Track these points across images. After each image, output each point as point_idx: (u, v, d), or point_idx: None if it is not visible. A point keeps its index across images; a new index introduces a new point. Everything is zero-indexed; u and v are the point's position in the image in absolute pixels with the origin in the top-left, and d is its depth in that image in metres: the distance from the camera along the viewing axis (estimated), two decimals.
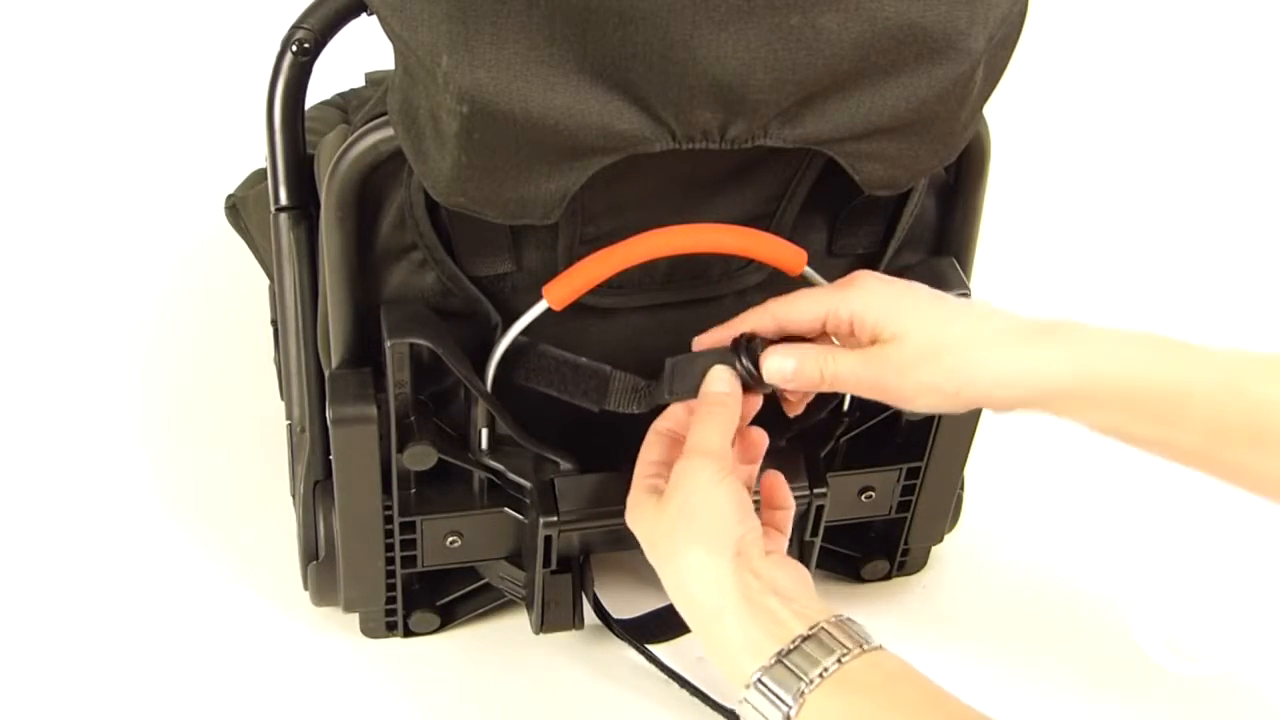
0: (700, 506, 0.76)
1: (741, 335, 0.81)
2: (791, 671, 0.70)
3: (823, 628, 0.72)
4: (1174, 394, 0.73)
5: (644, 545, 0.79)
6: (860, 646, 0.71)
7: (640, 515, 0.79)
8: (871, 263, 0.90)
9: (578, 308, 0.84)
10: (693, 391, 0.81)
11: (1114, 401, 0.74)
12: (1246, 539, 1.07)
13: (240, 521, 1.06)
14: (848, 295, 0.79)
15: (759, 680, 0.71)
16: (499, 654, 0.99)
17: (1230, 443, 0.73)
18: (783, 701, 0.69)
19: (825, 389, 0.79)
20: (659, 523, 0.77)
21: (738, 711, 0.73)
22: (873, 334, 0.78)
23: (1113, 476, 1.11)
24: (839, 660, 0.70)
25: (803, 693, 0.69)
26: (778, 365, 0.79)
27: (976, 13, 0.72)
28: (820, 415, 0.92)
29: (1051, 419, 0.76)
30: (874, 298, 0.78)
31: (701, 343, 0.83)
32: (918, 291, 0.80)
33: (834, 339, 0.81)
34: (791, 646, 0.71)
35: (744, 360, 0.80)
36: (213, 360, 1.20)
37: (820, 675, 0.70)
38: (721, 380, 0.80)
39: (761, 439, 0.84)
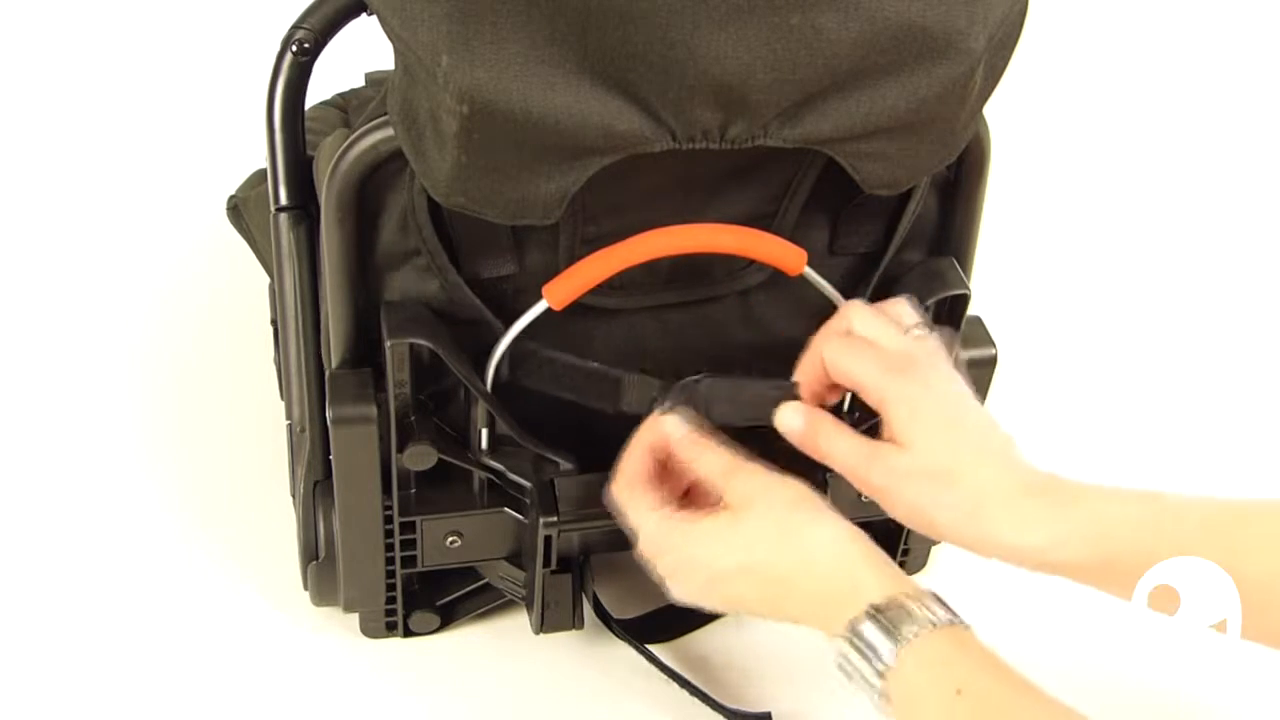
0: (789, 494, 0.78)
1: (682, 382, 0.84)
2: (909, 613, 0.72)
3: (937, 597, 0.74)
4: (1148, 553, 0.75)
5: (712, 558, 0.78)
6: (965, 622, 0.74)
7: (699, 535, 0.79)
8: (873, 261, 0.90)
9: (581, 309, 0.84)
10: (735, 419, 0.83)
11: (1089, 568, 0.76)
12: None
13: (240, 521, 1.06)
14: (891, 383, 0.78)
15: (875, 614, 0.73)
16: (499, 654, 0.99)
17: None
18: (896, 633, 0.72)
19: (819, 459, 0.80)
20: (747, 526, 0.78)
21: (842, 646, 0.73)
22: (888, 431, 0.78)
23: (1113, 475, 1.10)
24: (951, 621, 0.73)
25: (916, 632, 0.71)
26: (788, 420, 0.81)
27: (976, 13, 0.72)
28: None
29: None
30: (908, 398, 0.78)
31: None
32: (947, 406, 0.79)
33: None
34: (909, 596, 0.73)
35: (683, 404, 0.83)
36: (213, 360, 1.20)
37: (933, 625, 0.72)
38: (677, 426, 0.82)
39: None
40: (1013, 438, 0.79)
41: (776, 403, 0.82)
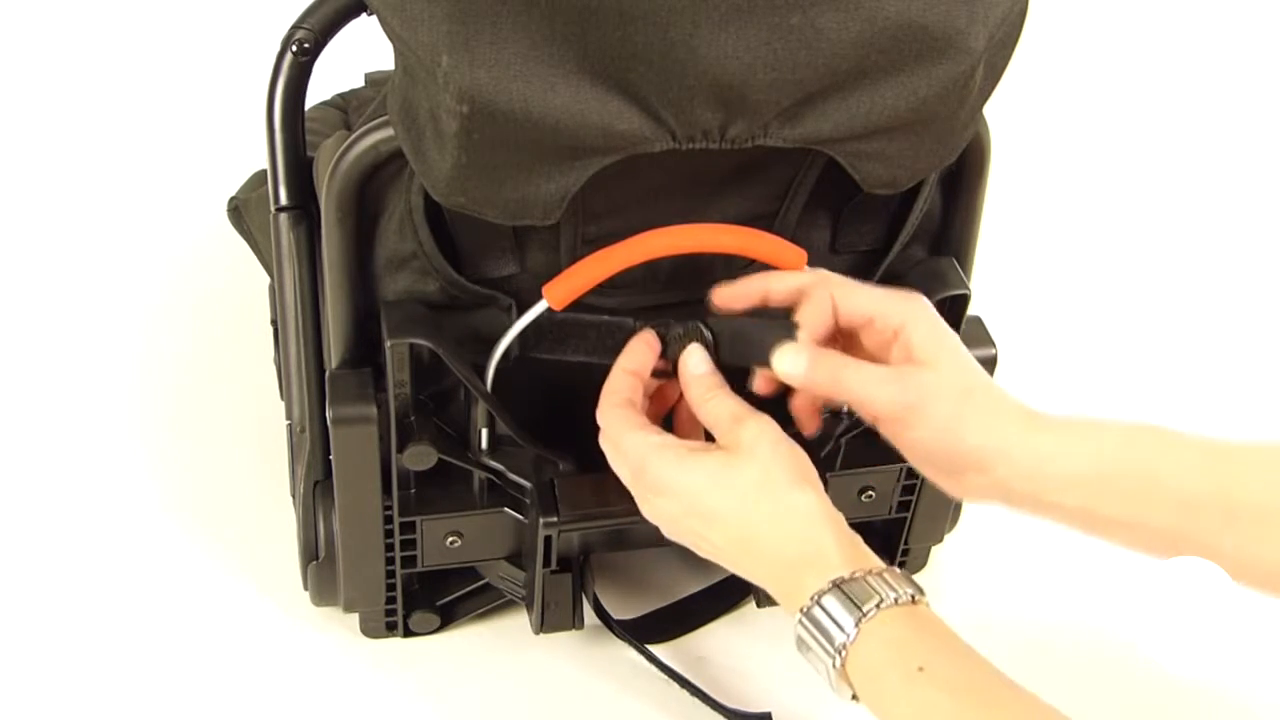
0: (788, 455, 0.78)
1: (694, 323, 0.83)
2: (871, 588, 0.73)
3: (899, 573, 0.75)
4: (1147, 472, 0.75)
5: (696, 492, 0.78)
6: (925, 599, 0.74)
7: (692, 466, 0.78)
8: (876, 258, 0.90)
9: (583, 308, 0.84)
10: (747, 359, 0.82)
11: (1087, 481, 0.75)
12: None
13: (240, 521, 1.06)
14: (907, 306, 0.79)
15: (837, 587, 0.73)
16: (499, 654, 0.99)
17: (1202, 520, 0.74)
18: (857, 608, 0.72)
19: (839, 395, 0.79)
20: (741, 471, 0.77)
21: (803, 617, 0.74)
22: (908, 352, 0.78)
23: None
24: (912, 598, 0.73)
25: (879, 606, 0.72)
26: (788, 364, 0.79)
27: (976, 12, 0.72)
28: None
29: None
30: (927, 319, 0.79)
31: (728, 295, 0.82)
32: (955, 336, 0.80)
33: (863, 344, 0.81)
34: (871, 572, 0.74)
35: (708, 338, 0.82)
36: (213, 360, 1.20)
37: (895, 601, 0.72)
38: (700, 362, 0.82)
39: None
40: None
41: (774, 344, 0.79)
